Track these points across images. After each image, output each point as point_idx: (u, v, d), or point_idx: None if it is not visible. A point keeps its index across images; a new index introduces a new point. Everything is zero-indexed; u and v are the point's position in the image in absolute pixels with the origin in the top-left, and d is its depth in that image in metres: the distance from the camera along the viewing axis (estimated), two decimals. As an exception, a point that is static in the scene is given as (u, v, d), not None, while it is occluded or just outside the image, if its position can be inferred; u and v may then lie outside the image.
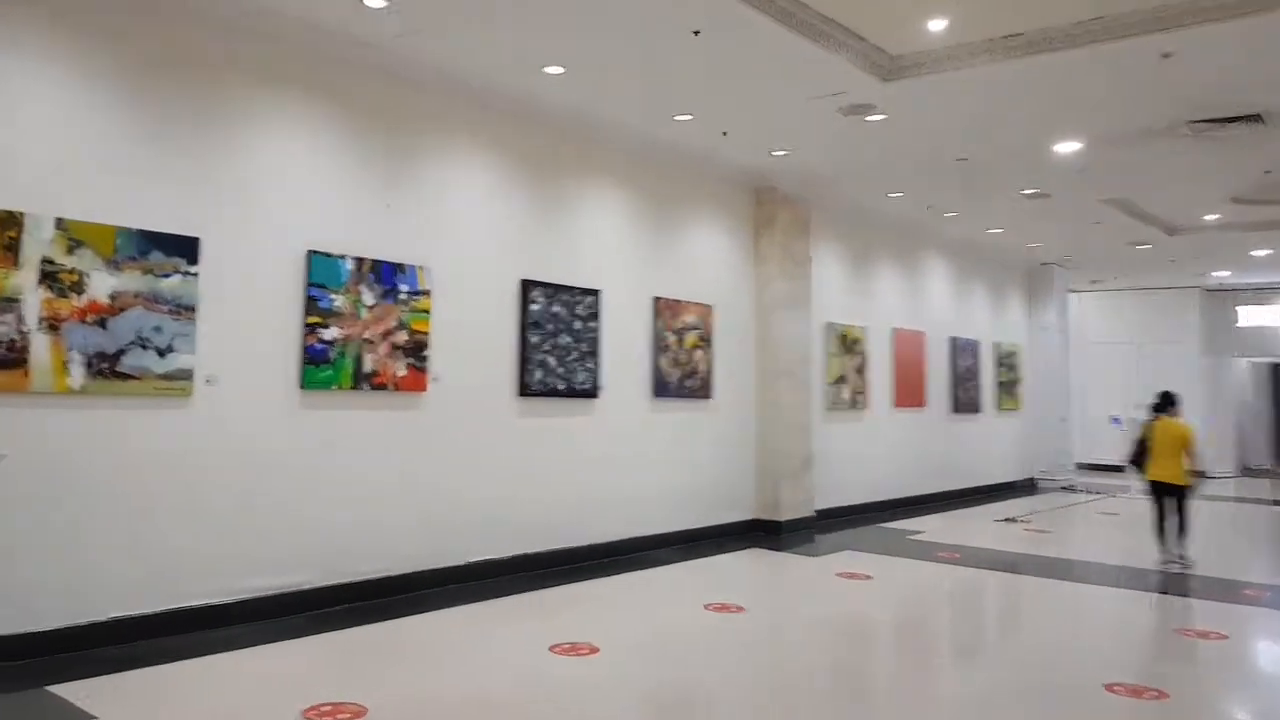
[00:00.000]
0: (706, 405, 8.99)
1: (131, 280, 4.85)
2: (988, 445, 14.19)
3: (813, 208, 10.29)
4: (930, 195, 10.43)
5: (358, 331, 5.88)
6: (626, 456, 8.05)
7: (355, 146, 6.08)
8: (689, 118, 7.45)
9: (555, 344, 7.31)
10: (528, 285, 7.14)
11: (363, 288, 5.93)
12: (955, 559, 8.49)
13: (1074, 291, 17.34)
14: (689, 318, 8.73)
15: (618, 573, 7.31)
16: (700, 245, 9.06)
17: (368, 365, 5.93)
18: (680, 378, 8.60)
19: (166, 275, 4.98)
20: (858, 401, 11.13)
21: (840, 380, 10.84)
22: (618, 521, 7.94)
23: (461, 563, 6.62)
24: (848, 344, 11.01)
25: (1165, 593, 7.33)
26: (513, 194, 7.17)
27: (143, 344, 4.86)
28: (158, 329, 4.92)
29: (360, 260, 5.95)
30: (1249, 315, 18.01)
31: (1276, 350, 18.05)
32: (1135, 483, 13.79)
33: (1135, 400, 16.02)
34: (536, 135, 7.38)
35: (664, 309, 8.46)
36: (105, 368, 4.72)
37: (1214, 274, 16.33)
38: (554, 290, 7.34)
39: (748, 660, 5.30)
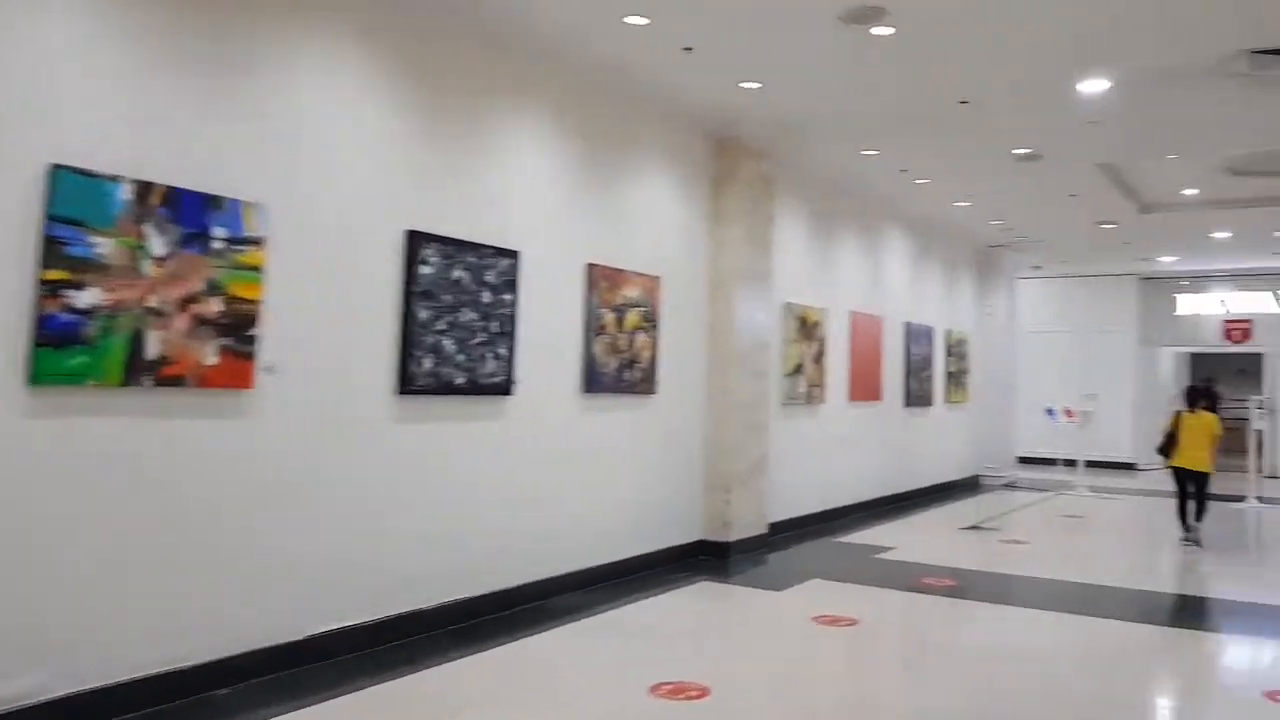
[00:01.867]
0: (649, 402, 7.11)
1: None
2: (938, 442, 12.79)
3: (778, 164, 8.49)
4: (910, 154, 8.77)
5: (137, 296, 3.73)
6: (547, 471, 6.11)
7: (148, 12, 3.92)
8: (644, 20, 5.51)
9: (455, 322, 5.31)
10: (417, 240, 5.10)
11: (149, 228, 3.77)
12: (946, 586, 6.90)
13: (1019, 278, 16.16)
14: (632, 292, 6.82)
15: (528, 633, 5.35)
16: (648, 200, 7.14)
17: (152, 348, 3.77)
18: (618, 367, 6.69)
19: None
20: (814, 394, 9.44)
21: (797, 370, 9.11)
22: (533, 559, 6.00)
23: (297, 637, 4.54)
24: (807, 328, 9.28)
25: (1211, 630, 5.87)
26: (400, 110, 5.09)
27: None
28: None
29: (147, 186, 3.79)
30: (1186, 304, 17.19)
31: (1208, 340, 17.27)
32: (1079, 479, 13.15)
33: (1079, 390, 15.04)
34: (433, 28, 5.30)
35: (601, 279, 6.52)
36: None
37: (1160, 259, 15.32)
38: (455, 249, 5.33)
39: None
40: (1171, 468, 9.18)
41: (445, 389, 5.25)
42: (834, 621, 5.77)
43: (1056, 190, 10.13)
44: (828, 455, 9.84)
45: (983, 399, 14.12)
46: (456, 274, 5.33)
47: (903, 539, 9.01)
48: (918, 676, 4.95)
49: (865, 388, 10.60)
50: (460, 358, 5.33)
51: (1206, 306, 17.05)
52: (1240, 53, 5.84)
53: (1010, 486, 13.70)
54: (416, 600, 5.14)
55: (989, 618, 6.20)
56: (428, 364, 5.12)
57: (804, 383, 9.22)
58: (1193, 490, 9.02)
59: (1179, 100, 6.87)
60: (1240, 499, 11.86)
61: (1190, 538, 8.96)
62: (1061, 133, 7.84)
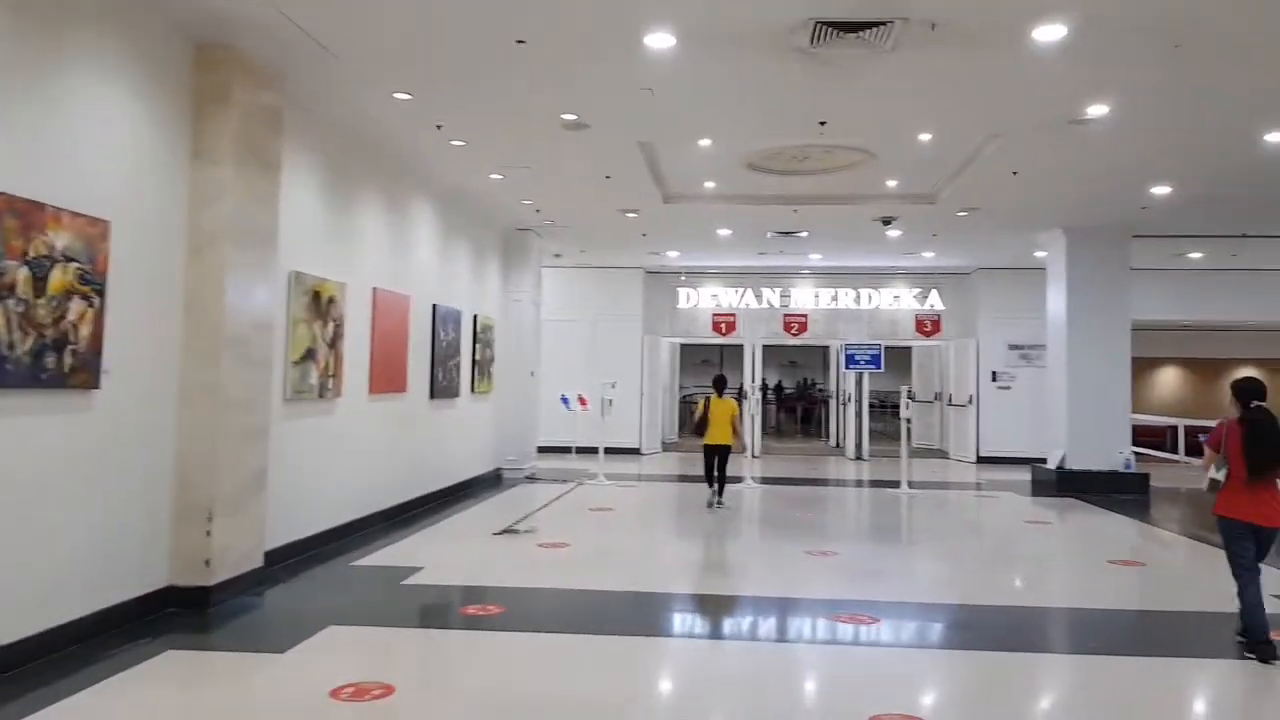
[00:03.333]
0: (89, 400, 4.95)
1: None
2: (464, 436, 11.81)
3: (291, 97, 6.71)
4: (450, 105, 7.52)
5: None
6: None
7: None
8: None
9: None
10: None
11: None
12: (490, 616, 5.79)
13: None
14: (60, 238, 4.60)
15: None
16: (92, 111, 4.96)
17: None
18: (33, 349, 4.45)
19: None
20: (329, 386, 7.78)
21: (308, 356, 7.39)
22: None
23: None
24: (321, 305, 7.58)
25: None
26: None
27: None
28: None
29: None
30: (685, 297, 18.39)
31: (700, 332, 18.67)
32: (597, 467, 13.08)
33: (593, 378, 15.18)
34: None
35: (4, 214, 4.26)
36: None
37: (669, 254, 16.04)
38: None
39: None
40: (704, 445, 10.52)
41: None
42: (361, 694, 4.29)
43: (594, 168, 9.64)
44: (345, 459, 8.25)
45: (506, 388, 13.46)
46: None
47: (433, 553, 7.78)
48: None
49: (389, 378, 9.16)
50: None
51: (701, 300, 18.35)
52: (806, 22, 5.51)
53: (532, 479, 13.23)
54: None
55: (551, 656, 5.14)
56: None
57: (316, 372, 7.52)
58: (718, 463, 10.46)
59: (737, 72, 6.52)
60: (738, 480, 12.57)
61: (717, 502, 10.39)
62: (615, 97, 7.18)
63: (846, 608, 6.07)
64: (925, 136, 8.29)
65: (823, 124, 7.68)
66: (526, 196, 11.27)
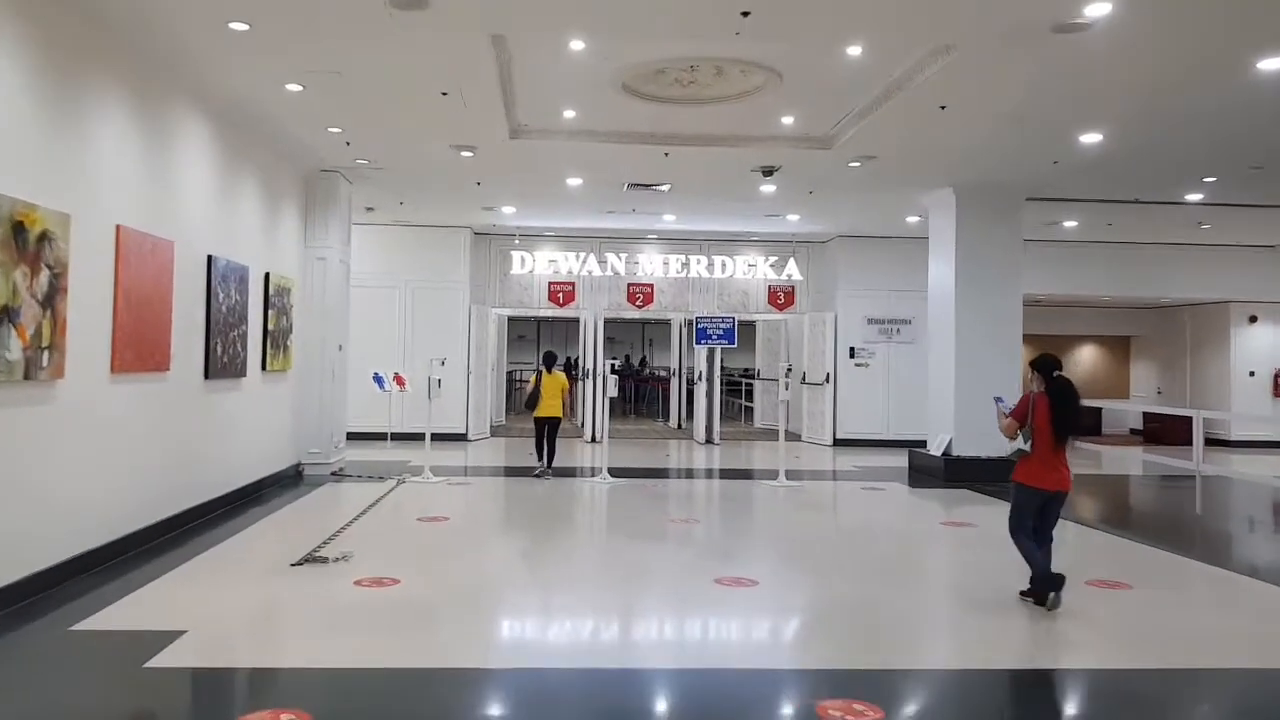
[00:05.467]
0: None
1: None
2: (253, 426, 9.31)
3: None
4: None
5: None
6: None
7: None
8: None
9: None
10: None
11: None
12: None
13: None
14: None
15: None
16: None
17: None
18: None
19: None
20: (42, 363, 5.27)
21: (3, 318, 4.87)
22: None
23: None
24: (27, 242, 5.05)
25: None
26: None
27: None
28: None
29: None
30: (518, 263, 16.28)
31: (535, 302, 16.62)
32: (420, 459, 10.82)
33: (416, 354, 12.95)
34: None
35: None
36: None
37: (504, 209, 13.86)
38: None
39: None
40: (535, 417, 11.11)
41: None
42: None
43: (428, 78, 7.43)
44: (71, 464, 5.77)
45: (309, 365, 10.97)
46: None
47: (203, 603, 5.43)
48: None
49: (143, 351, 6.65)
50: None
51: (537, 266, 16.32)
52: None
53: (341, 476, 10.86)
54: None
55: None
56: None
57: (19, 342, 5.01)
58: (549, 435, 11.04)
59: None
60: (573, 474, 10.87)
61: (545, 471, 10.97)
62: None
63: (822, 686, 4.24)
64: (855, 49, 6.67)
65: (745, 14, 5.83)
66: (335, 122, 8.87)
